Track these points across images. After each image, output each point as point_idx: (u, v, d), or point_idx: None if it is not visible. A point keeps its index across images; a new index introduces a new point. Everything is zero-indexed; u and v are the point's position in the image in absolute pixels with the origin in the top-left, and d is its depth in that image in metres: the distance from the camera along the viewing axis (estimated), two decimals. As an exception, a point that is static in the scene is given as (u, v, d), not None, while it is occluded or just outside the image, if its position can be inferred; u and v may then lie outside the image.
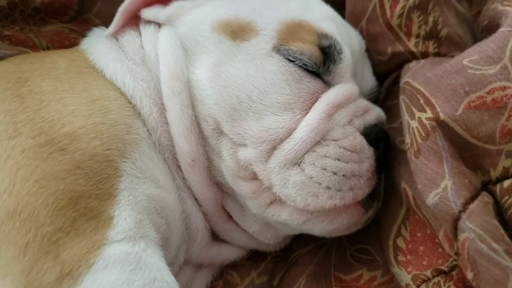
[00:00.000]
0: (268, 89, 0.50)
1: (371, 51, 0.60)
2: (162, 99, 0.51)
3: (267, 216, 0.52)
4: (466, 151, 0.42)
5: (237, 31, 0.53)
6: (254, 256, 0.61)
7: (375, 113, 0.54)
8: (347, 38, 0.55)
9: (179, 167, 0.52)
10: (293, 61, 0.50)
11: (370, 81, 0.60)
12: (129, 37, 0.57)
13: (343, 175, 0.48)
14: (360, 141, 0.50)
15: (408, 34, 0.55)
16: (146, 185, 0.46)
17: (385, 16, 0.57)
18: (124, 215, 0.42)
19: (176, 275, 0.49)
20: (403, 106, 0.49)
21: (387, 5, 0.57)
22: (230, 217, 0.57)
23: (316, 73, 0.51)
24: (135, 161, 0.46)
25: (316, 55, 0.50)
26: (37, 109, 0.45)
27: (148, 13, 0.57)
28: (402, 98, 0.50)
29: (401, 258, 0.50)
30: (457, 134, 0.42)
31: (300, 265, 0.59)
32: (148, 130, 0.50)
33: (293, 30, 0.52)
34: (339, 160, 0.48)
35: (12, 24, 0.65)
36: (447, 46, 0.53)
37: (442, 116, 0.42)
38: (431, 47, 0.53)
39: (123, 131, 0.46)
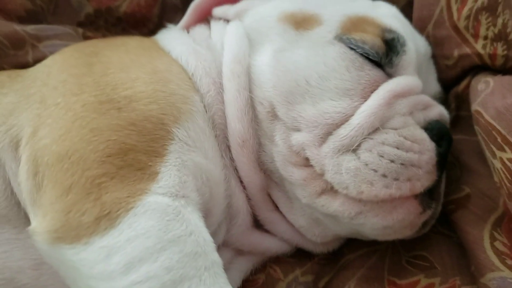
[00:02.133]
0: (327, 74, 0.49)
1: (437, 57, 0.60)
2: (221, 80, 0.52)
3: (317, 207, 0.50)
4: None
5: (301, 22, 0.54)
6: (300, 255, 0.59)
7: (438, 110, 0.52)
8: (412, 37, 0.55)
9: (228, 147, 0.52)
10: (354, 49, 0.50)
11: (434, 86, 0.59)
12: (199, 29, 0.60)
13: (401, 164, 0.46)
14: (421, 133, 0.48)
15: (476, 36, 0.54)
16: (196, 154, 0.46)
17: (452, 18, 0.56)
18: (169, 173, 0.42)
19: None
20: (481, 141, 0.48)
21: (454, 8, 0.56)
22: (276, 207, 0.55)
23: (378, 63, 0.50)
24: (188, 129, 0.46)
25: (378, 45, 0.50)
26: (103, 75, 0.47)
27: (218, 11, 0.61)
28: (477, 130, 0.49)
29: (510, 261, 0.46)
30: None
31: (351, 268, 0.57)
32: (204, 106, 0.51)
33: (357, 23, 0.52)
34: (398, 148, 0.46)
35: (96, 30, 0.70)
36: None
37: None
38: (499, 49, 0.51)
39: (180, 101, 0.47)
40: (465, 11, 0.55)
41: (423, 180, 0.47)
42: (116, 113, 0.43)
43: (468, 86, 0.56)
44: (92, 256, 0.38)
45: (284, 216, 0.55)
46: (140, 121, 0.43)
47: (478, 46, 0.54)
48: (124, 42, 0.55)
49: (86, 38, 0.68)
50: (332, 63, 0.50)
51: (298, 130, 0.49)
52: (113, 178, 0.40)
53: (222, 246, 0.53)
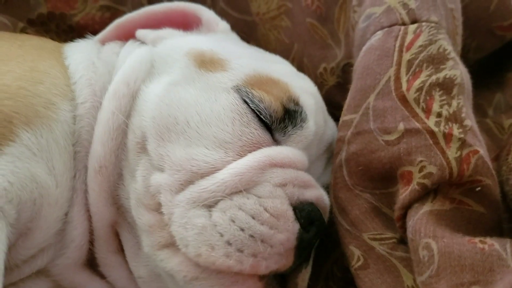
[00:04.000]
0: (210, 120, 0.48)
1: (374, 133, 0.52)
2: (103, 96, 0.51)
3: (157, 260, 0.46)
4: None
5: (207, 62, 0.53)
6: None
7: (318, 193, 0.49)
8: (321, 122, 0.54)
9: (86, 169, 0.49)
10: (248, 104, 0.48)
11: (326, 178, 0.57)
12: (111, 45, 0.60)
13: (251, 236, 0.43)
14: (286, 209, 0.45)
15: (427, 111, 0.49)
16: (38, 164, 0.44)
17: (400, 89, 0.51)
18: None
19: (27, 279, 0.48)
20: None
21: (404, 79, 0.51)
22: (120, 250, 0.52)
23: (268, 126, 0.49)
24: (38, 136, 0.44)
25: (275, 108, 0.49)
26: None
27: (140, 33, 0.61)
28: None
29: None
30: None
31: None
32: (74, 117, 0.49)
33: (265, 82, 0.51)
34: (253, 218, 0.43)
35: (46, 33, 0.71)
36: (472, 139, 0.47)
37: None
38: (456, 130, 0.47)
39: (41, 104, 0.46)
40: (417, 82, 0.51)
41: (271, 261, 0.43)
42: None
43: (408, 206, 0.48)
44: None
45: (125, 262, 0.51)
46: None
47: (430, 122, 0.49)
48: (26, 38, 0.57)
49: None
50: (219, 111, 0.48)
51: (161, 170, 0.47)
52: None
53: (40, 275, 0.49)
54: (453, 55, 0.49)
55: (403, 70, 0.52)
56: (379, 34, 0.56)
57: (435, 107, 0.48)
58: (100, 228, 0.51)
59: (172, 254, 0.45)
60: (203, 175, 0.45)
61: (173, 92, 0.50)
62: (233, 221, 0.43)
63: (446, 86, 0.49)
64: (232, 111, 0.48)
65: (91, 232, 0.51)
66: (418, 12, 0.55)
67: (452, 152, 0.45)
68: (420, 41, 0.53)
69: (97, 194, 0.49)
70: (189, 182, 0.45)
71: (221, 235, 0.43)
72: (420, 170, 0.46)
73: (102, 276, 0.52)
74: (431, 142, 0.47)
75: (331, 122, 0.60)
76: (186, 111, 0.48)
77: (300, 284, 0.48)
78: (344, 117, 0.55)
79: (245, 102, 0.48)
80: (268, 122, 0.49)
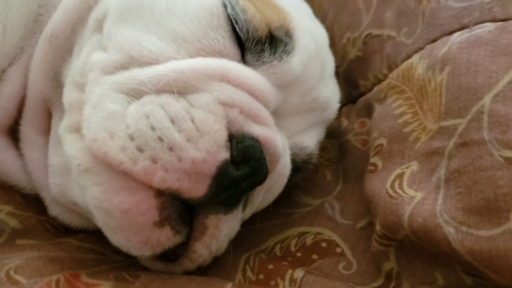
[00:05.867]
0: (176, 12, 0.43)
1: (489, 145, 0.40)
2: None
3: (63, 143, 0.42)
4: None
5: None
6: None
7: (271, 134, 0.42)
8: (314, 71, 0.49)
9: None
10: (225, 8, 0.43)
11: (306, 139, 0.51)
12: None
13: (159, 138, 0.37)
14: (217, 130, 0.38)
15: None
16: None
17: None
18: None
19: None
20: None
21: None
22: (46, 134, 0.48)
23: (241, 43, 0.44)
24: None
25: (258, 28, 0.44)
26: None
27: None
28: None
29: None
30: None
31: None
32: None
33: (262, 1, 0.47)
34: (172, 122, 0.37)
35: None
36: None
37: None
38: None
39: None
40: None
41: (171, 175, 0.36)
42: None
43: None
44: None
45: (46, 147, 0.47)
46: None
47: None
48: None
49: None
50: (190, 5, 0.43)
51: (104, 49, 0.43)
52: None
53: None
54: None
55: (529, 73, 0.40)
56: (490, 26, 0.45)
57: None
58: (33, 99, 0.48)
59: (77, 140, 0.40)
60: (141, 64, 0.41)
61: None
62: (147, 117, 0.37)
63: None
64: (204, 9, 0.43)
65: (23, 102, 0.48)
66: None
67: None
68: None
69: (39, 61, 0.47)
70: (124, 67, 0.41)
71: (127, 127, 0.37)
72: None
73: (20, 153, 0.50)
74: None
75: (331, 85, 0.54)
76: None
77: (211, 231, 0.41)
78: (442, 122, 0.42)
79: (225, 6, 0.43)
80: (242, 37, 0.43)
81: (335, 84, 0.58)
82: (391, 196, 0.47)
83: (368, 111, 0.60)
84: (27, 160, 0.49)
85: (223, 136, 0.38)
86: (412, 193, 0.46)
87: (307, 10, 0.58)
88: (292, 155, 0.51)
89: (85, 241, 0.52)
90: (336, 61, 0.66)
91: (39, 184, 0.49)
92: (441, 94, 0.45)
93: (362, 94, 0.63)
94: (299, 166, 0.53)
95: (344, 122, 0.65)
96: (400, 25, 0.55)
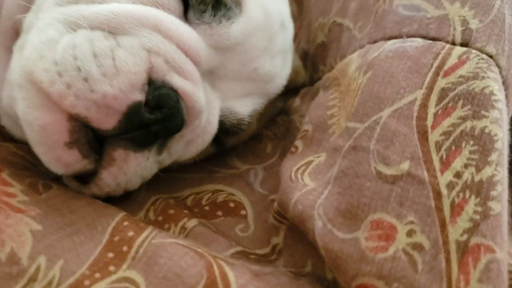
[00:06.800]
0: None
1: (370, 155, 0.41)
2: None
3: (12, 59, 0.45)
4: None
5: None
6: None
7: (193, 89, 0.44)
8: (258, 43, 0.50)
9: None
10: None
11: (240, 105, 0.53)
12: None
13: (78, 68, 0.40)
14: (135, 72, 0.41)
15: (445, 164, 0.39)
16: None
17: (424, 121, 0.42)
18: None
19: None
20: None
21: (431, 109, 0.42)
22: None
23: None
24: None
25: None
26: None
27: None
28: None
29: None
30: None
31: None
32: None
33: None
34: (94, 56, 0.40)
35: None
36: (492, 231, 0.37)
37: None
38: (471, 206, 0.37)
39: None
40: (446, 123, 0.41)
41: (82, 102, 0.40)
42: None
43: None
44: None
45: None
46: None
47: (442, 179, 0.39)
48: None
49: None
50: None
51: None
52: None
53: None
54: (501, 106, 0.39)
55: (433, 98, 0.41)
56: (419, 42, 0.45)
57: (457, 164, 0.38)
58: (4, 18, 0.49)
59: (20, 58, 0.43)
60: (88, 1, 0.44)
61: None
62: (75, 47, 0.40)
63: (484, 144, 0.39)
64: None
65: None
66: (475, 35, 0.44)
67: (455, 232, 0.34)
68: (463, 70, 0.43)
69: None
70: (75, 2, 0.44)
71: (55, 53, 0.40)
72: (409, 234, 0.35)
73: None
74: (432, 204, 0.36)
75: (279, 61, 0.55)
76: None
77: (119, 163, 0.44)
78: (348, 123, 0.44)
79: None
80: None
81: (287, 62, 0.59)
82: (291, 179, 0.49)
83: (317, 96, 0.61)
84: None
85: (140, 78, 0.41)
86: (307, 181, 0.48)
87: None
88: (222, 117, 0.53)
89: (22, 149, 0.56)
90: (309, 43, 0.66)
91: None
92: (357, 95, 0.46)
93: (320, 79, 0.64)
94: (227, 128, 0.55)
95: (296, 102, 0.66)
96: (358, 18, 0.55)
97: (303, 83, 0.70)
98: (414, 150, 0.39)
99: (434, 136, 0.39)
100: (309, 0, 0.68)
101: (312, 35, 0.66)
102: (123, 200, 0.53)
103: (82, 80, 0.39)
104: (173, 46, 0.43)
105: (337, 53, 0.59)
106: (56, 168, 0.44)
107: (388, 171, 0.40)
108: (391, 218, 0.38)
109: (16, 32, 0.50)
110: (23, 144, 0.56)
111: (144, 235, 0.43)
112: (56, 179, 0.51)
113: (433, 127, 0.40)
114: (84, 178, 0.47)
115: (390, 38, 0.48)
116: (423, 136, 0.40)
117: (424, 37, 0.45)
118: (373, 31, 0.50)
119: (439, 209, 0.37)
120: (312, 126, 0.54)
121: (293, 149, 0.55)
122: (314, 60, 0.66)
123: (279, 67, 0.56)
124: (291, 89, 0.68)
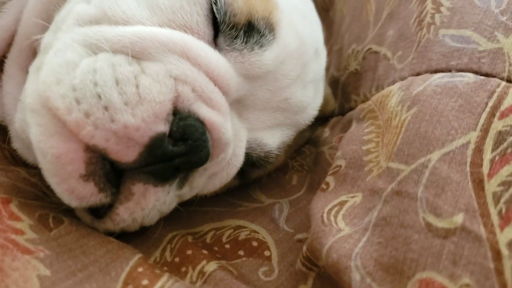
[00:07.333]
0: None
1: (418, 203, 0.37)
2: None
3: (27, 81, 0.43)
4: None
5: None
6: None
7: (221, 120, 0.41)
8: (290, 72, 0.48)
9: None
10: None
11: (268, 137, 0.50)
12: None
13: (98, 95, 0.37)
14: (160, 101, 0.38)
15: (506, 219, 0.34)
16: None
17: (479, 168, 0.37)
18: None
19: None
20: None
21: (487, 155, 0.38)
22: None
23: (216, 24, 0.43)
24: None
25: (237, 13, 0.43)
26: None
27: None
28: None
29: None
30: None
31: None
32: None
33: None
34: (117, 83, 0.37)
35: None
36: None
37: None
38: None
39: None
40: (505, 171, 0.36)
41: (100, 133, 0.37)
42: None
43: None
44: None
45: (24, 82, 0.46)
46: None
47: (502, 238, 0.34)
48: None
49: None
50: None
51: (88, 2, 0.43)
52: None
53: None
54: None
55: (489, 142, 0.37)
56: (470, 77, 0.40)
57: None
58: (21, 36, 0.48)
59: (36, 80, 0.40)
60: (111, 23, 0.41)
61: None
62: (95, 72, 0.38)
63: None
64: None
65: (14, 37, 0.49)
66: (533, 72, 0.40)
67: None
68: (522, 111, 0.38)
69: (35, 1, 0.47)
70: (97, 22, 0.42)
71: (74, 77, 0.38)
72: (463, 300, 0.31)
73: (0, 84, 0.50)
74: (491, 265, 0.31)
75: (312, 90, 0.52)
76: None
77: (137, 198, 0.41)
78: (390, 163, 0.39)
79: None
80: (218, 18, 0.43)
81: (319, 91, 0.56)
82: (323, 222, 0.45)
83: (349, 127, 0.57)
84: (5, 92, 0.50)
85: (165, 108, 0.38)
86: (342, 225, 0.44)
87: (307, 9, 0.55)
88: (248, 149, 0.50)
89: (33, 175, 0.54)
90: (340, 70, 0.62)
91: (9, 117, 0.50)
92: (400, 133, 0.42)
93: (352, 109, 0.60)
94: (254, 161, 0.52)
95: (326, 133, 0.62)
96: (397, 47, 0.51)
97: (332, 112, 0.66)
98: (469, 201, 0.35)
99: (491, 186, 0.35)
100: (341, 24, 0.65)
101: (344, 62, 0.62)
102: (138, 235, 0.50)
103: (102, 109, 0.37)
104: (201, 74, 0.41)
105: (373, 83, 0.55)
106: (70, 200, 0.41)
107: (440, 223, 0.35)
108: (443, 278, 0.34)
109: (33, 51, 0.48)
110: (35, 169, 0.54)
111: (159, 284, 0.39)
112: (69, 210, 0.48)
113: (490, 176, 0.35)
114: (99, 211, 0.44)
115: (436, 71, 0.44)
116: (479, 185, 0.35)
117: (475, 72, 0.41)
118: (416, 62, 0.47)
119: (499, 272, 0.32)
120: (346, 162, 0.50)
121: (324, 186, 0.51)
122: (345, 88, 0.62)
123: (311, 96, 0.53)
124: (320, 118, 0.64)
